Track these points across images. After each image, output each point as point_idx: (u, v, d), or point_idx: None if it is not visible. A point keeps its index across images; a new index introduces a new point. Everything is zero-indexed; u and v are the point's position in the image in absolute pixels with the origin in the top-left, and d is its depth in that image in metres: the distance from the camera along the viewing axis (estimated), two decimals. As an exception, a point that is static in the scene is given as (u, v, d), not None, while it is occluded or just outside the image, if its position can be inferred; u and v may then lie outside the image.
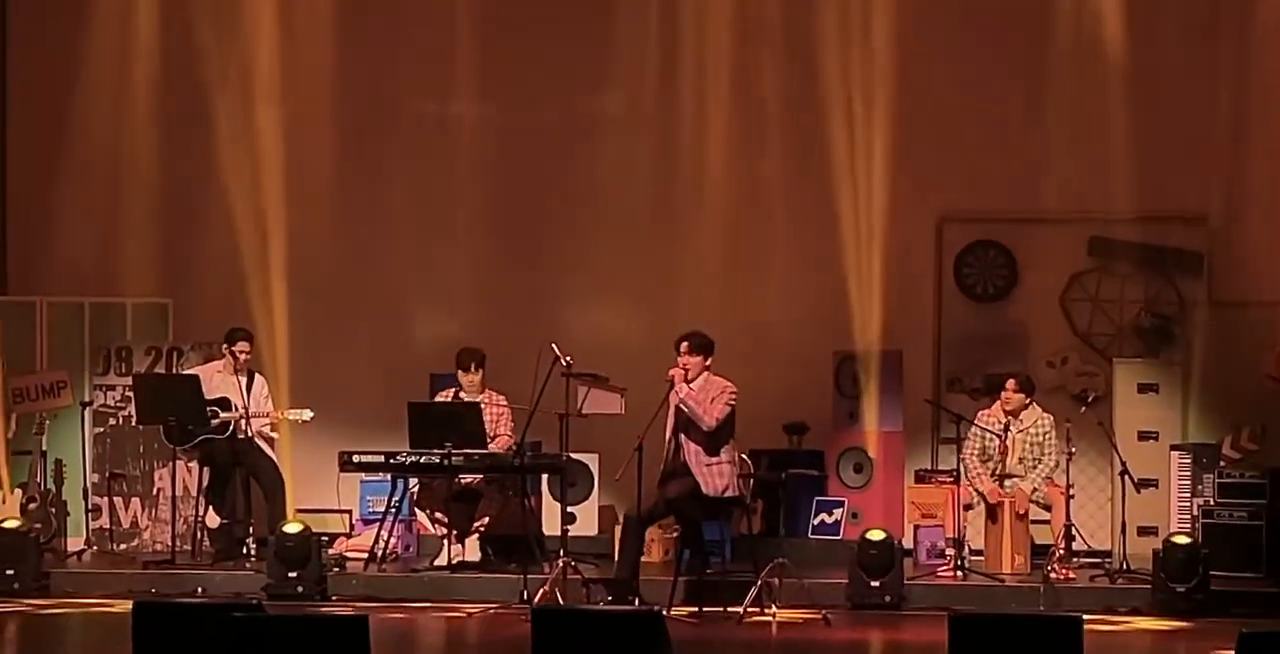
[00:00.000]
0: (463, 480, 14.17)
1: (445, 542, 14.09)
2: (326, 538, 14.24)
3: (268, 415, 14.41)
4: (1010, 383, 14.05)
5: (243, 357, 14.41)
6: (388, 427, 14.50)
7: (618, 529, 13.72)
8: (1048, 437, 14.04)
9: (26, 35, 16.21)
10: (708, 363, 12.97)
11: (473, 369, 14.24)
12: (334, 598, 13.49)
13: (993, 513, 13.97)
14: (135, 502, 15.28)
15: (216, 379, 14.41)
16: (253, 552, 14.25)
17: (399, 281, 15.92)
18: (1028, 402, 14.08)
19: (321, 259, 15.79)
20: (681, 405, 12.84)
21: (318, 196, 15.80)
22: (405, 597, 13.54)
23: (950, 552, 13.96)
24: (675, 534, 13.83)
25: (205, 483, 14.46)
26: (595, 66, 15.86)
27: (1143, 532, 14.22)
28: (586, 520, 14.95)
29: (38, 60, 16.13)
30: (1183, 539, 13.30)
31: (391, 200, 15.96)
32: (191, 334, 15.50)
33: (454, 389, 14.42)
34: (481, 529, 14.16)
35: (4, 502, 14.89)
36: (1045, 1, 15.09)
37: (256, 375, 14.56)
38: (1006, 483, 14.01)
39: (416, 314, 16.05)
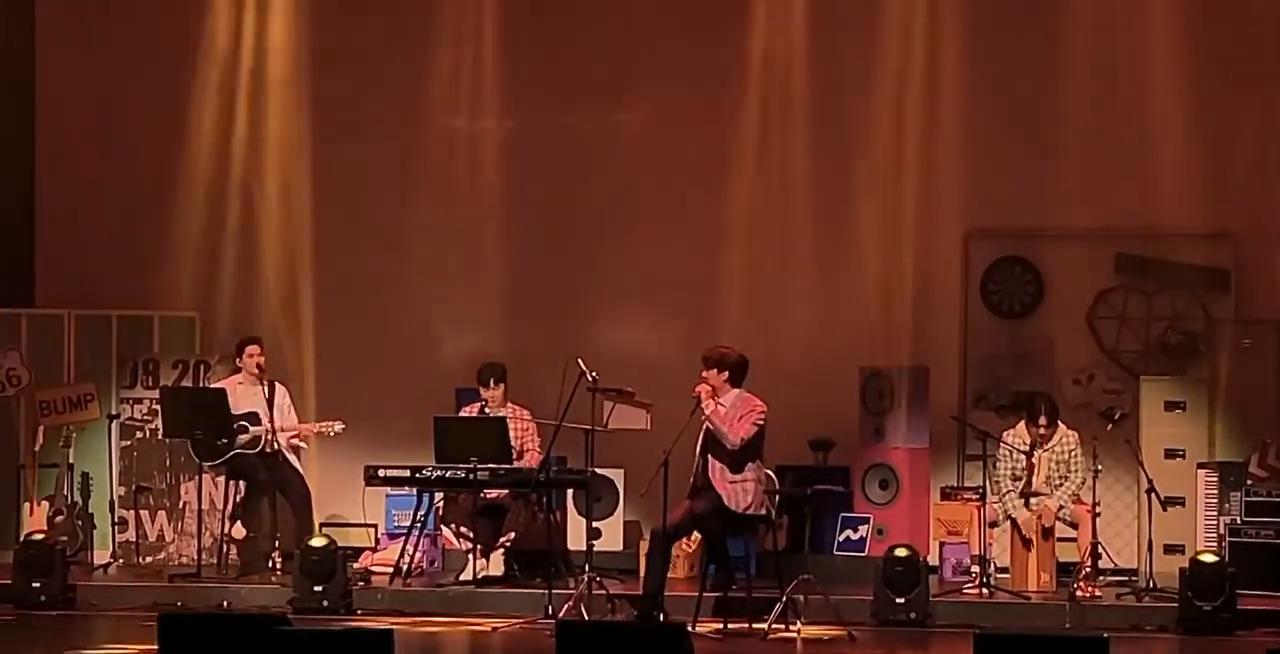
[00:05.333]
0: (488, 495, 14.18)
1: (470, 556, 14.10)
2: (352, 552, 14.26)
3: (297, 429, 14.43)
4: (1042, 420, 13.96)
5: (253, 362, 14.41)
6: (413, 441, 14.52)
7: (643, 544, 13.72)
8: (1074, 455, 14.02)
9: (56, 50, 16.27)
10: (726, 378, 12.92)
11: (493, 384, 14.27)
12: (359, 612, 13.51)
13: (1021, 534, 13.93)
14: (161, 515, 15.31)
15: (240, 392, 14.44)
16: (278, 565, 14.26)
17: (425, 296, 15.94)
18: (1055, 429, 14.05)
19: (348, 273, 15.83)
20: (708, 423, 12.84)
21: (345, 211, 15.85)
22: (430, 611, 13.54)
23: (976, 569, 13.93)
24: (701, 550, 13.83)
25: (241, 497, 14.47)
26: (622, 81, 15.89)
27: (1169, 550, 14.18)
28: (612, 535, 14.95)
29: (67, 76, 16.19)
30: (1209, 557, 13.27)
31: (419, 215, 15.98)
32: (218, 347, 15.53)
33: (479, 403, 14.44)
34: (507, 544, 14.16)
35: (31, 514, 14.93)
36: (1073, 19, 15.07)
37: (277, 385, 14.57)
38: (1033, 501, 13.99)
39: (442, 328, 16.06)
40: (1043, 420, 13.95)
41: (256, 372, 14.45)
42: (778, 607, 12.69)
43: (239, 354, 14.49)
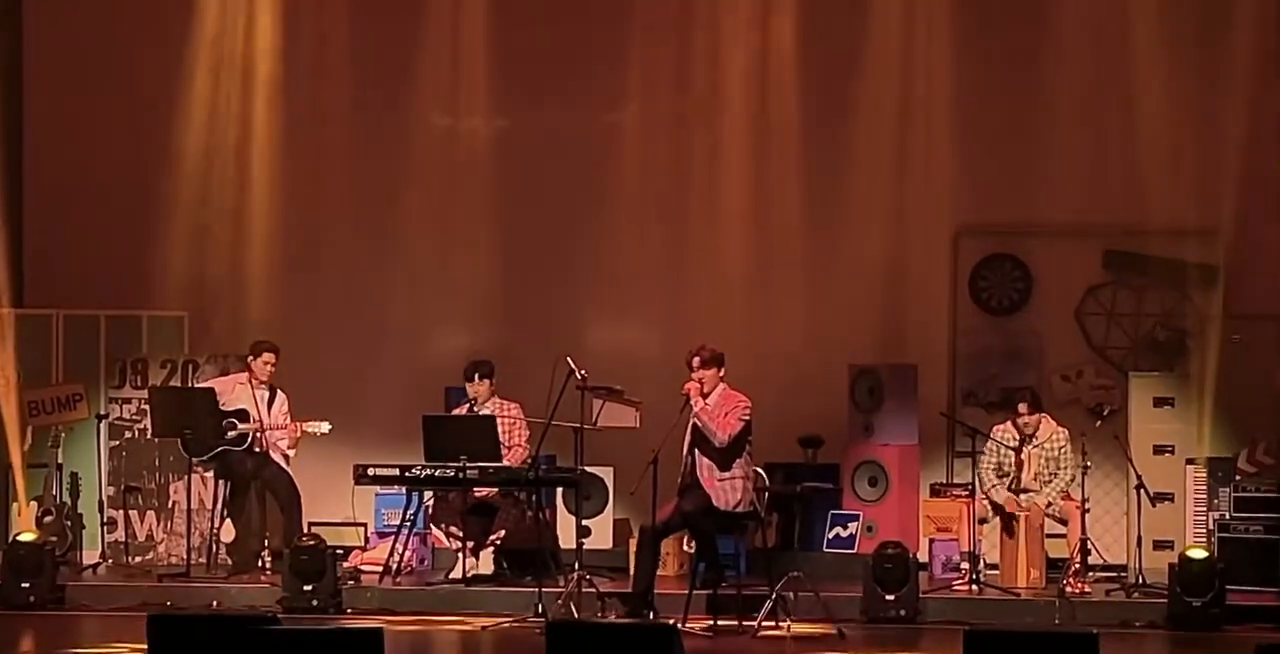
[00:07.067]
0: (477, 494, 14.18)
1: (460, 555, 14.10)
2: (341, 551, 14.25)
3: (284, 428, 14.43)
4: (1022, 407, 13.98)
5: (268, 368, 14.43)
6: (403, 440, 14.51)
7: (633, 543, 13.72)
8: (1063, 451, 14.03)
9: (44, 50, 16.24)
10: (721, 374, 12.97)
11: (476, 379, 14.27)
12: (349, 611, 13.50)
13: (1009, 527, 13.96)
14: (151, 515, 15.31)
15: (237, 390, 14.44)
16: (268, 565, 14.27)
17: (414, 295, 15.93)
18: (1041, 417, 14.07)
19: (337, 273, 15.83)
20: (695, 421, 12.84)
21: (335, 210, 15.84)
22: (420, 610, 13.54)
23: (965, 565, 13.95)
24: (690, 548, 13.84)
25: (227, 495, 14.46)
26: (611, 80, 15.88)
27: (1158, 546, 14.20)
28: (601, 534, 14.95)
29: (56, 75, 16.16)
30: (1199, 553, 13.28)
31: (407, 214, 15.97)
32: (207, 347, 15.53)
33: (468, 404, 14.44)
34: (496, 542, 14.16)
35: (20, 515, 14.92)
36: (1061, 15, 15.09)
37: (279, 392, 14.56)
38: (1022, 497, 14.00)
39: (432, 328, 16.05)
40: (1023, 407, 13.94)
41: (265, 377, 14.44)
42: (767, 604, 12.69)
43: (254, 355, 14.45)
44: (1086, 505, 13.94)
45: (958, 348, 15.75)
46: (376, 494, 15.04)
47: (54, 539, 14.45)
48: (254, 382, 14.43)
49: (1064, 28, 15.08)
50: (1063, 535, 14.00)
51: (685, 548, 14.20)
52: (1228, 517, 14.17)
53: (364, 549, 14.90)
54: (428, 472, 13.97)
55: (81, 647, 12.28)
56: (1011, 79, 15.36)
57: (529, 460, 13.78)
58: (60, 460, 14.97)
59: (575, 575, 12.98)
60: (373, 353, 15.87)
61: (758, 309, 15.44)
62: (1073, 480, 13.96)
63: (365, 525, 15.15)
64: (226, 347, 15.38)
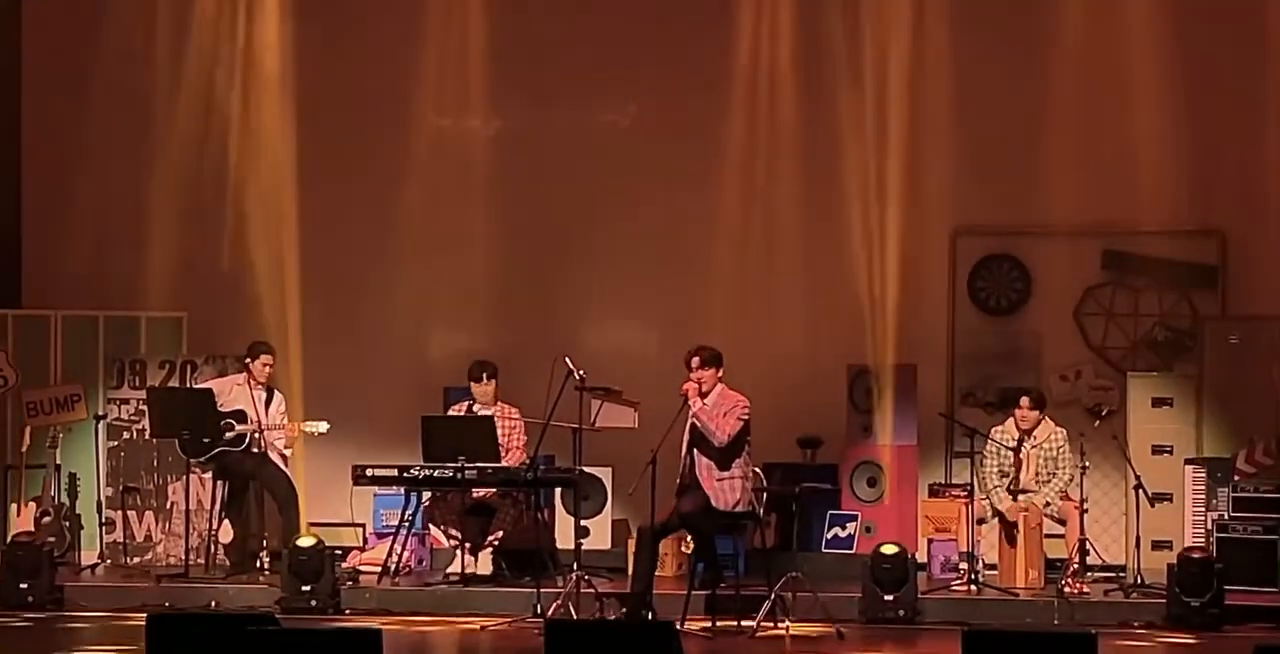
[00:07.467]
0: (476, 494, 14.18)
1: (458, 555, 14.10)
2: (340, 551, 14.25)
3: (282, 428, 14.44)
4: (1024, 401, 14.00)
5: (266, 370, 14.44)
6: (401, 440, 14.51)
7: (631, 543, 13.72)
8: (1061, 451, 14.03)
9: (42, 51, 16.25)
10: (719, 374, 12.96)
11: (484, 380, 14.28)
12: (347, 611, 13.51)
13: (1007, 527, 13.96)
14: (149, 515, 15.30)
15: (235, 391, 14.45)
16: (266, 565, 14.26)
17: (413, 295, 15.92)
18: (1041, 417, 14.08)
19: (336, 273, 15.82)
20: (694, 421, 12.84)
21: (332, 210, 15.83)
22: (418, 610, 13.54)
23: (964, 566, 13.95)
24: (689, 548, 13.83)
25: (226, 496, 14.46)
26: (610, 80, 15.89)
27: (1157, 546, 14.20)
28: (600, 534, 14.95)
29: (54, 75, 16.16)
30: (1197, 553, 13.28)
31: (407, 214, 15.96)
32: (206, 348, 15.53)
33: (467, 403, 14.44)
34: (495, 543, 14.17)
35: (18, 515, 14.92)
36: (1058, 15, 15.09)
37: (276, 392, 14.57)
38: (1021, 498, 14.00)
39: (430, 328, 16.05)
40: (1025, 401, 13.94)
41: (263, 379, 14.45)
42: (766, 604, 12.69)
43: (251, 357, 14.46)
44: (1085, 506, 13.94)
45: (956, 348, 15.74)
46: (375, 494, 15.04)
47: (52, 540, 14.46)
48: (251, 382, 14.44)
49: (1064, 28, 15.07)
50: (1061, 536, 14.00)
51: (684, 548, 14.20)
52: (1226, 517, 14.17)
53: (362, 549, 14.90)
54: (426, 472, 13.98)
55: (80, 647, 12.28)
56: (1010, 79, 15.35)
57: (526, 462, 13.78)
58: (59, 461, 14.99)
59: (574, 576, 12.97)
60: (372, 353, 15.87)
61: (757, 309, 15.43)
62: (1071, 481, 13.97)
63: (364, 526, 15.15)
64: (224, 347, 15.38)
